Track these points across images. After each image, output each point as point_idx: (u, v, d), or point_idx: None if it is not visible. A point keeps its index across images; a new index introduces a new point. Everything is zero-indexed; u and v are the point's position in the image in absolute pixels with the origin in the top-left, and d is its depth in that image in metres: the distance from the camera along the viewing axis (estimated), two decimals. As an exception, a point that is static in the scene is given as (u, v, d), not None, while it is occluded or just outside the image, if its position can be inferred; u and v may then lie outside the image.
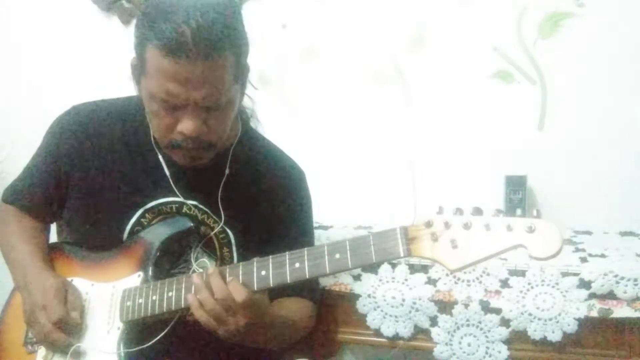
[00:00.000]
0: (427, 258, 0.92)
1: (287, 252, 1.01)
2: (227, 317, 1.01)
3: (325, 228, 1.70)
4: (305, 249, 1.01)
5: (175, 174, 1.19)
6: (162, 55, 0.98)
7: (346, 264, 0.97)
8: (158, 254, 1.15)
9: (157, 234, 1.17)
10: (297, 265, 1.00)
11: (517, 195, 1.58)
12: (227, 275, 1.03)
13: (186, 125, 1.04)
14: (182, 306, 1.07)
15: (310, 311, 1.26)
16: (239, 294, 0.99)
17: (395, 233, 0.94)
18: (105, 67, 1.94)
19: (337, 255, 0.97)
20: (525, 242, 0.86)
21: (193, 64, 0.98)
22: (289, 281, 1.00)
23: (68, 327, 1.11)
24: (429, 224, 0.91)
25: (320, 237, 1.55)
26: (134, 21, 1.77)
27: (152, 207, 1.19)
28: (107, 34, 1.98)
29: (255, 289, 1.02)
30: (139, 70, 1.07)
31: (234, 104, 1.10)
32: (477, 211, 0.90)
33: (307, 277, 0.99)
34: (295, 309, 1.22)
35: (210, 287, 1.01)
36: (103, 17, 1.99)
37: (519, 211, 0.90)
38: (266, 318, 1.06)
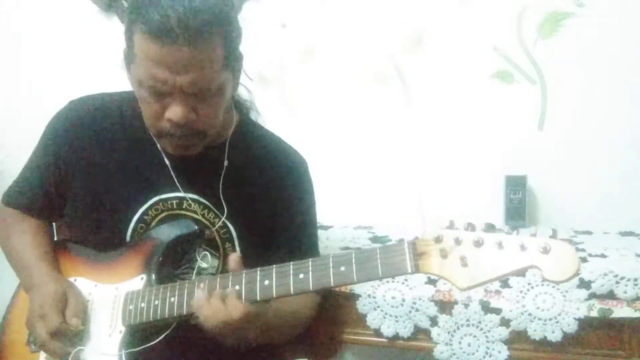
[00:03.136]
0: (435, 275, 0.89)
1: (291, 263, 1.00)
2: (226, 332, 1.01)
3: (325, 228, 1.70)
4: (310, 260, 0.99)
5: (175, 165, 1.18)
6: (148, 41, 0.98)
7: (351, 278, 0.94)
8: (161, 257, 1.14)
9: (161, 236, 1.16)
10: (301, 276, 0.98)
11: (517, 195, 1.58)
12: (230, 285, 1.02)
13: (174, 112, 1.03)
14: (185, 312, 1.06)
15: (314, 301, 1.25)
16: (236, 311, 0.99)
17: (403, 248, 0.91)
18: (105, 67, 1.94)
19: (343, 268, 0.95)
20: (539, 264, 0.82)
21: (179, 48, 0.97)
22: (292, 292, 0.98)
23: (67, 335, 1.10)
24: (438, 239, 0.88)
25: (320, 237, 1.54)
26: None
27: (154, 203, 1.19)
28: (107, 34, 1.98)
29: (258, 298, 1.00)
30: (128, 57, 1.07)
31: (225, 92, 1.09)
32: (490, 227, 0.87)
33: (311, 289, 0.97)
34: (300, 301, 1.20)
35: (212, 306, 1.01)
36: (103, 17, 1.99)
37: (533, 228, 0.88)
38: (264, 320, 1.06)
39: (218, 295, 1.00)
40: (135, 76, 1.05)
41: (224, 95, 1.09)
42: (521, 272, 0.86)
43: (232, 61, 1.08)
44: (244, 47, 1.12)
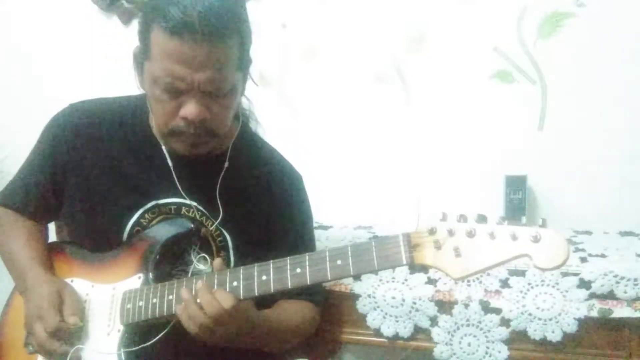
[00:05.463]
0: (429, 266, 0.91)
1: (288, 257, 1.01)
2: (216, 327, 1.01)
3: (325, 228, 1.70)
4: (307, 254, 1.00)
5: (177, 169, 1.18)
6: (168, 36, 0.99)
7: (348, 271, 0.96)
8: (158, 256, 1.15)
9: (157, 235, 1.16)
10: (298, 270, 0.99)
11: (517, 196, 1.58)
12: (216, 283, 1.03)
13: (189, 109, 1.04)
14: None
15: (311, 314, 1.25)
16: (227, 302, 0.99)
17: (397, 240, 0.93)
18: (106, 67, 1.94)
19: (339, 262, 0.96)
20: (530, 252, 0.85)
21: (199, 45, 0.99)
22: (289, 287, 0.99)
23: (66, 334, 1.10)
24: (432, 231, 0.90)
25: (320, 237, 1.55)
26: (134, 21, 1.77)
27: (151, 207, 1.19)
28: (107, 34, 1.98)
29: (256, 294, 1.01)
30: (142, 55, 1.07)
31: (237, 93, 1.10)
32: (482, 218, 0.88)
33: (309, 283, 0.99)
34: (294, 312, 1.21)
35: (199, 301, 1.01)
36: (103, 17, 1.99)
37: (524, 219, 0.89)
38: (256, 322, 1.07)
39: (206, 291, 1.01)
40: (151, 74, 1.05)
41: (235, 97, 1.10)
42: (513, 261, 0.87)
43: (244, 63, 1.09)
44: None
